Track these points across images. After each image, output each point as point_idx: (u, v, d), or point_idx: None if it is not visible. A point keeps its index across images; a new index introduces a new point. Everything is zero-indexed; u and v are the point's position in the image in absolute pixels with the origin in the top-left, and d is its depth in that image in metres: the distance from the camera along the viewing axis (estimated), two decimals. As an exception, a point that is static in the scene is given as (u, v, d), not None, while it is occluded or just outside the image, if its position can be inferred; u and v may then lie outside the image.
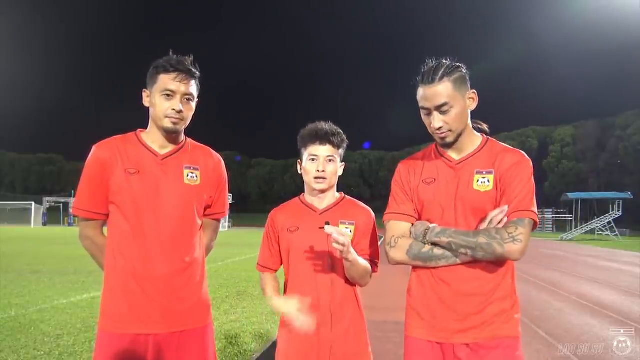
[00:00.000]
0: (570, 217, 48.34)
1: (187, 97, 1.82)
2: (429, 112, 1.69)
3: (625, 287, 9.62)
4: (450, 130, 1.68)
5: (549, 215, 54.32)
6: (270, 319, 5.77)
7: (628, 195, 42.10)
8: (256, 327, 5.40)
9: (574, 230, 41.64)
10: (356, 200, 2.04)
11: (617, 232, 37.61)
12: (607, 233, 38.66)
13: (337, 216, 1.94)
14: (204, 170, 1.92)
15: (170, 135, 1.87)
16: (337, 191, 2.04)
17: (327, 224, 1.72)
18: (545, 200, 61.28)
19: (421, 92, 1.69)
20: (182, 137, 1.93)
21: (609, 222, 39.06)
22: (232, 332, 5.06)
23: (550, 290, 9.08)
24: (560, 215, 54.86)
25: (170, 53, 1.86)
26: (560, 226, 53.36)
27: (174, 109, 1.79)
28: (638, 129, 60.36)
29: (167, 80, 1.79)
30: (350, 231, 1.93)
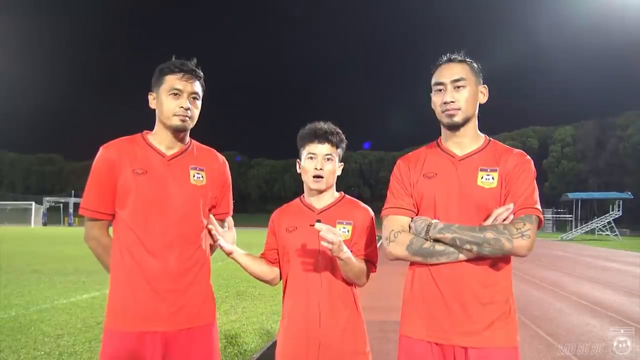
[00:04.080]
0: (570, 217, 48.34)
1: (193, 95, 1.88)
2: (443, 88, 1.72)
3: (625, 287, 9.62)
4: (459, 109, 1.70)
5: (549, 215, 54.28)
6: (270, 319, 5.77)
7: (628, 195, 42.10)
8: (256, 327, 5.39)
9: (574, 230, 41.62)
10: (355, 200, 2.04)
11: (617, 232, 37.60)
12: (607, 233, 38.64)
13: (336, 215, 1.94)
14: (209, 171, 1.95)
15: (178, 135, 1.89)
16: (337, 191, 2.04)
17: (319, 221, 1.72)
18: (545, 200, 61.14)
19: (439, 70, 1.75)
20: (188, 138, 1.97)
21: (609, 222, 39.04)
22: (232, 332, 5.06)
23: (550, 290, 9.08)
24: (560, 215, 54.88)
25: (173, 58, 1.91)
26: (560, 226, 53.39)
27: (182, 107, 1.83)
28: (638, 129, 60.29)
29: (173, 80, 1.84)
30: (348, 231, 1.92)
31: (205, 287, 1.91)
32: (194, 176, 1.90)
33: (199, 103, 1.92)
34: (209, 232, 1.92)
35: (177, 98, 1.84)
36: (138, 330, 1.75)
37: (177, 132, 1.88)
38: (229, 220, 2.08)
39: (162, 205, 1.82)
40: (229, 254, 1.96)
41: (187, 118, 1.85)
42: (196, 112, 1.90)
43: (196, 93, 1.89)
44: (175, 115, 1.84)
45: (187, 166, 1.91)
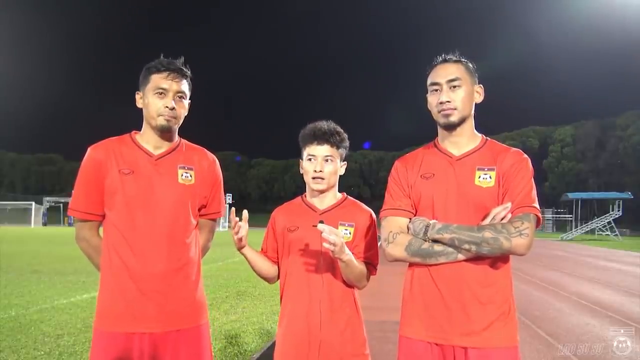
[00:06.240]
0: (570, 217, 48.30)
1: (179, 94, 1.85)
2: (439, 88, 1.72)
3: (625, 287, 9.62)
4: (455, 109, 1.70)
5: (549, 215, 54.22)
6: (270, 319, 5.76)
7: (628, 195, 42.05)
8: (256, 326, 5.39)
9: (574, 230, 41.57)
10: (358, 202, 2.04)
11: (617, 232, 37.54)
12: (607, 233, 38.59)
13: (337, 217, 1.94)
14: (198, 169, 1.93)
15: (164, 135, 1.88)
16: (339, 191, 2.04)
17: (321, 222, 1.72)
18: (545, 200, 61.05)
19: (434, 70, 1.76)
20: (176, 137, 1.95)
21: (609, 222, 38.99)
22: (232, 332, 5.06)
23: (550, 290, 9.07)
24: (560, 215, 54.82)
25: (162, 56, 1.90)
26: (560, 226, 53.36)
27: (167, 107, 1.82)
28: (638, 129, 60.23)
29: (159, 79, 1.83)
30: (350, 233, 1.92)
31: (195, 289, 1.89)
32: (182, 175, 1.88)
33: (185, 102, 1.90)
34: (233, 224, 1.85)
35: (162, 97, 1.83)
36: (126, 331, 1.74)
37: (163, 132, 1.87)
38: (211, 224, 2.05)
39: (149, 205, 1.80)
40: (241, 247, 1.92)
41: (172, 118, 1.84)
42: (182, 112, 1.89)
43: (182, 92, 1.86)
44: (160, 115, 1.82)
45: (175, 165, 1.89)
